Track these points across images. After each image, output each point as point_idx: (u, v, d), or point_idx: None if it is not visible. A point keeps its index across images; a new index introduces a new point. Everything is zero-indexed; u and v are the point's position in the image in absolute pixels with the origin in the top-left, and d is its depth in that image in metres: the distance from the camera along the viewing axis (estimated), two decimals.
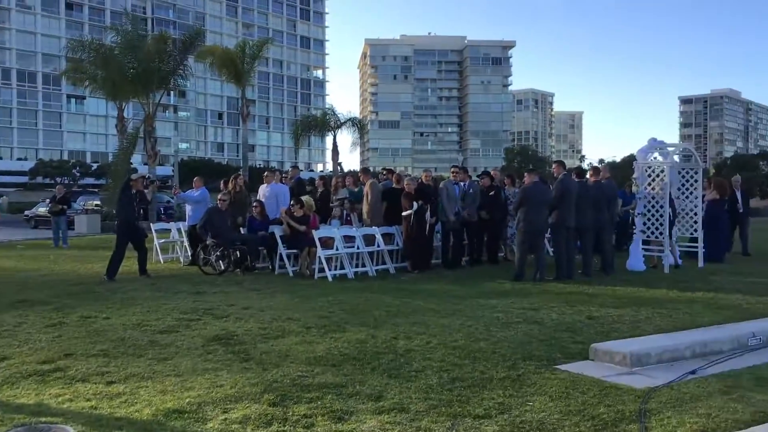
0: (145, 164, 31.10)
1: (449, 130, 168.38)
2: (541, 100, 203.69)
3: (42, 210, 32.22)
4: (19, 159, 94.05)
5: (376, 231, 12.21)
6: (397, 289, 10.01)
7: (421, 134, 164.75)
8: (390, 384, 5.07)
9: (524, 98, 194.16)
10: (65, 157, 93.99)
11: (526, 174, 11.69)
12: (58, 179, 69.91)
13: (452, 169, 13.50)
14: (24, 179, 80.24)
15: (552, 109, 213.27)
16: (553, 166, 12.29)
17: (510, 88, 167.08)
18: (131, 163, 29.92)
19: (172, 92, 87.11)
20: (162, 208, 30.91)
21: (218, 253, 11.74)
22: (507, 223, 13.64)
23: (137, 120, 34.46)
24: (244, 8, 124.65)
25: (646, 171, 12.55)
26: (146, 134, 28.35)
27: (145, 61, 26.68)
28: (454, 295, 9.31)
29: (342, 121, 41.64)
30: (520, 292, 9.68)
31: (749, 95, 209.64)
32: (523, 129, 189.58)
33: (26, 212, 37.67)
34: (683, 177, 13.13)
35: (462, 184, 12.91)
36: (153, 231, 14.26)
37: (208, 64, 34.01)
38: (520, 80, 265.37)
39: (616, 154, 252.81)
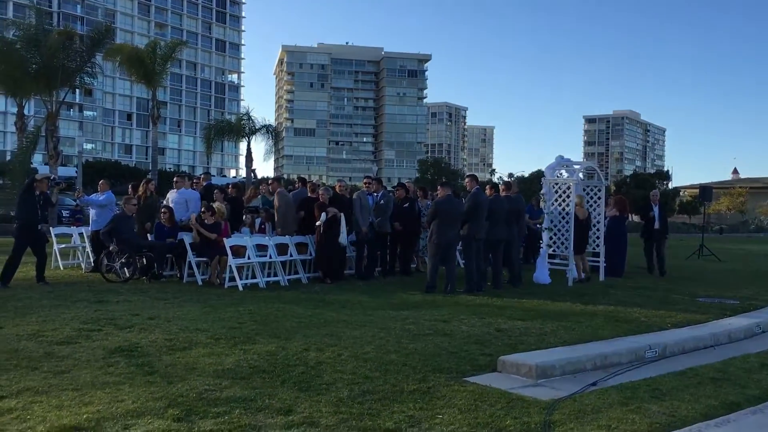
0: (46, 164, 29.67)
1: (364, 140, 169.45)
2: (454, 114, 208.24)
3: None
4: None
5: (289, 240, 12.09)
6: (309, 299, 9.93)
7: (337, 143, 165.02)
8: (300, 397, 4.99)
9: (438, 111, 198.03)
10: None
11: (439, 187, 11.88)
12: None
13: (365, 180, 13.56)
14: None
15: (465, 123, 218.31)
16: (466, 179, 12.54)
17: (425, 100, 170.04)
18: (31, 163, 28.49)
19: (77, 90, 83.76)
20: (69, 212, 29.63)
21: (123, 260, 11.30)
22: (420, 234, 13.81)
23: (39, 118, 32.86)
24: (157, 7, 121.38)
25: (554, 187, 12.99)
26: (48, 133, 27.06)
27: (49, 57, 25.47)
28: (366, 306, 9.31)
29: (257, 127, 41.13)
30: (431, 303, 9.79)
31: (647, 117, 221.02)
32: (437, 141, 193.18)
33: None
34: (587, 194, 13.67)
35: (375, 194, 12.97)
36: (53, 236, 13.59)
37: (117, 62, 32.89)
38: (435, 93, 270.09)
39: (525, 168, 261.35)
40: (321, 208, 12.07)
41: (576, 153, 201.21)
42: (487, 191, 12.29)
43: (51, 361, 5.80)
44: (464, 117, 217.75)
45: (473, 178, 12.31)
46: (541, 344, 7.06)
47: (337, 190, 12.81)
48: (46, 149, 27.98)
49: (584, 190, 13.67)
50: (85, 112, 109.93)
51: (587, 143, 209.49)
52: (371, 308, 9.16)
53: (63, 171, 42.73)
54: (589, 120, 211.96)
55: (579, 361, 6.23)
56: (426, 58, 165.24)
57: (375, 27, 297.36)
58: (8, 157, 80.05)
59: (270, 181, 13.75)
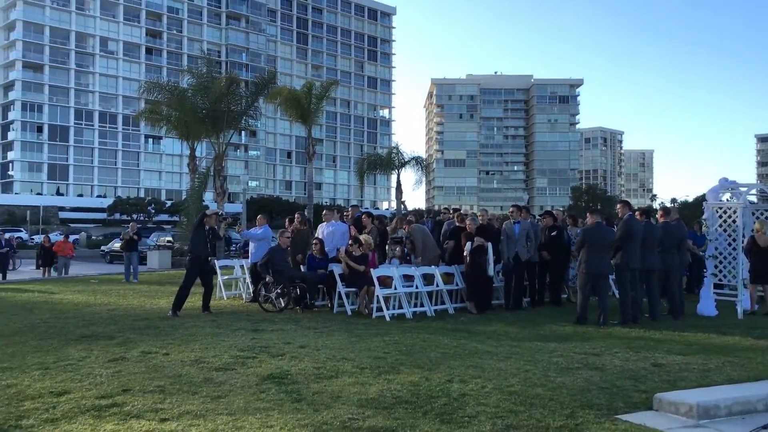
0: (215, 201, 31.98)
1: (515, 168, 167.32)
2: (609, 138, 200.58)
3: (117, 246, 33.48)
4: (99, 196, 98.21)
5: (436, 270, 12.12)
6: (454, 330, 9.87)
7: (487, 173, 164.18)
8: (442, 429, 4.95)
9: (592, 136, 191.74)
10: (142, 194, 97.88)
11: (588, 214, 11.45)
12: (134, 216, 72.55)
13: (510, 208, 13.36)
14: (103, 215, 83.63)
15: (621, 148, 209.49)
16: (618, 206, 11.99)
17: (577, 126, 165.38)
18: (203, 201, 30.82)
19: (243, 132, 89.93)
20: (237, 245, 31.65)
21: (278, 291, 11.86)
22: (570, 264, 13.35)
23: (209, 159, 35.56)
24: (313, 51, 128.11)
25: (717, 212, 12.08)
26: (216, 172, 29.23)
27: (216, 102, 27.64)
28: (512, 338, 9.10)
29: (406, 159, 41.95)
30: (581, 335, 9.38)
31: None
32: (591, 167, 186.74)
33: (102, 248, 39.24)
34: (757, 218, 12.57)
35: (523, 223, 12.71)
36: (217, 267, 14.55)
37: (277, 104, 34.97)
38: (588, 118, 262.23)
39: (689, 193, 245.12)
40: (467, 237, 12.02)
41: (748, 175, 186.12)
42: (637, 216, 11.66)
43: (209, 386, 6.17)
44: (620, 141, 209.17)
45: (625, 204, 11.74)
46: (703, 381, 6.53)
47: (480, 219, 12.70)
48: (214, 187, 30.22)
49: (753, 214, 12.58)
50: (249, 151, 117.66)
51: (761, 164, 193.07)
52: (518, 339, 8.94)
53: (230, 207, 45.91)
54: (762, 139, 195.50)
55: (748, 401, 5.68)
56: (578, 83, 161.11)
57: (524, 55, 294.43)
58: (183, 196, 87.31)
59: (408, 218, 13.91)
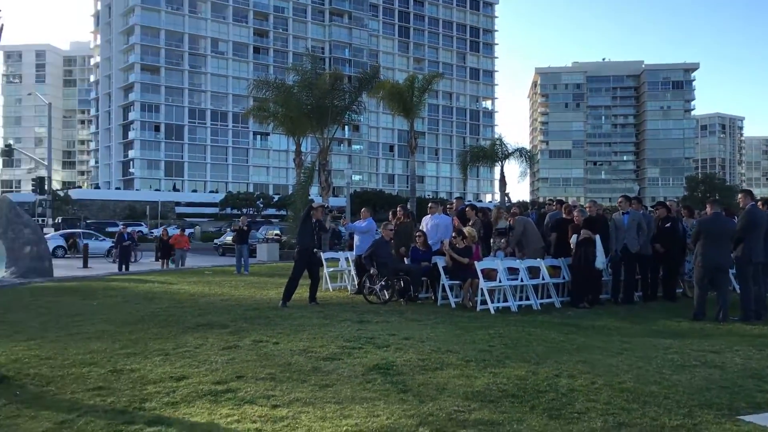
0: (320, 196, 32.69)
1: (624, 158, 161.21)
2: (728, 125, 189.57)
3: (229, 239, 34.89)
4: (211, 192, 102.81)
5: (541, 263, 11.87)
6: (561, 324, 9.63)
7: (594, 163, 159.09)
8: (550, 425, 4.85)
9: (709, 123, 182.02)
10: (251, 189, 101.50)
11: (707, 204, 10.86)
12: (244, 210, 75.37)
13: (619, 199, 12.87)
14: (215, 210, 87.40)
15: (742, 135, 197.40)
16: (739, 196, 11.28)
17: (693, 112, 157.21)
18: (309, 195, 31.58)
19: (346, 126, 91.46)
20: (343, 238, 32.20)
21: (382, 283, 11.97)
22: (686, 257, 12.72)
23: (314, 154, 36.39)
24: (415, 44, 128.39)
25: None
26: (320, 167, 29.87)
27: (321, 98, 28.22)
28: (623, 333, 8.78)
29: (510, 151, 41.31)
30: (699, 332, 8.93)
31: None
32: (708, 156, 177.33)
33: (215, 241, 41.01)
34: None
35: (632, 213, 12.21)
36: (323, 260, 14.86)
37: (379, 98, 35.27)
38: (704, 104, 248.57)
39: None
40: (574, 229, 11.71)
41: None
42: (760, 206, 10.93)
43: (317, 375, 6.32)
44: (740, 128, 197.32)
45: (747, 193, 11.04)
46: None
47: (588, 211, 12.31)
48: (319, 181, 30.90)
49: None
50: (353, 146, 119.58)
51: None
52: (629, 335, 8.61)
53: (334, 201, 46.79)
54: None
55: None
56: (693, 67, 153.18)
57: (633, 40, 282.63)
58: (290, 191, 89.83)
59: (512, 211, 13.64)
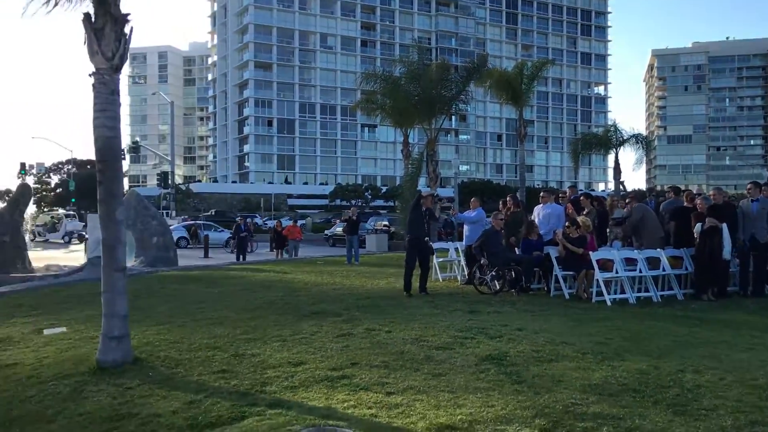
0: (428, 186, 32.70)
1: (751, 142, 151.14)
2: None
3: (339, 230, 35.61)
4: (321, 184, 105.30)
5: (661, 253, 11.35)
6: (684, 317, 9.19)
7: (718, 149, 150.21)
8: (675, 421, 4.65)
9: None
10: (359, 181, 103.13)
11: None
12: (353, 202, 76.67)
13: (747, 186, 12.08)
14: (325, 202, 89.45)
15: None
16: None
17: None
18: (417, 186, 31.67)
19: (453, 117, 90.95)
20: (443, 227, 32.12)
21: (493, 273, 11.85)
22: None
23: (421, 145, 36.43)
24: (523, 30, 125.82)
25: None
26: (428, 158, 29.86)
27: (428, 89, 28.18)
28: (753, 327, 8.26)
29: (625, 137, 39.72)
30: None
31: None
32: None
33: (326, 232, 41.97)
34: None
35: (762, 201, 11.44)
36: (433, 249, 14.84)
37: (487, 87, 34.79)
38: None
39: None
40: (698, 218, 11.12)
41: None
42: None
43: (430, 363, 6.35)
44: None
45: None
46: None
47: (712, 198, 11.63)
48: (427, 172, 30.92)
49: None
50: (460, 136, 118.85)
51: None
52: (761, 330, 8.10)
53: (442, 192, 46.69)
54: None
55: None
56: None
57: (760, 17, 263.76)
58: (397, 182, 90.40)
59: (627, 200, 13.09)
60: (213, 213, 61.38)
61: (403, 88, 29.45)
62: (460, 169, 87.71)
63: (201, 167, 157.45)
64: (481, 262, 12.08)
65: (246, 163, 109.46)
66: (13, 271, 17.67)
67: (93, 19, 6.63)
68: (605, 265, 10.96)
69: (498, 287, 11.74)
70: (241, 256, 25.34)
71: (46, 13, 6.70)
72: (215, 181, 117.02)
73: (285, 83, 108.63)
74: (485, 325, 8.35)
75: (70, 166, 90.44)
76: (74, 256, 28.23)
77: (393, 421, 4.71)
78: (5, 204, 21.58)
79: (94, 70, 6.70)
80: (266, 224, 54.26)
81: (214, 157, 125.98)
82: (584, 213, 12.56)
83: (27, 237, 22.12)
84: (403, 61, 32.14)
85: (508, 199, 13.99)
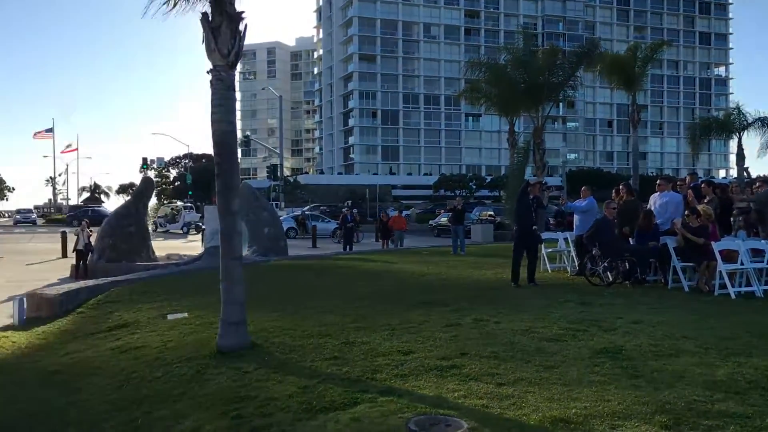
0: (534, 176, 32.03)
1: None
2: None
3: (443, 220, 35.56)
4: (425, 174, 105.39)
5: None
6: None
7: None
8: None
9: None
10: (463, 171, 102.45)
11: None
12: (457, 192, 76.29)
13: None
14: (429, 192, 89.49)
15: None
16: None
17: None
18: (524, 175, 31.07)
19: (561, 104, 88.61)
20: (553, 217, 31.44)
21: (606, 264, 11.46)
22: None
23: (527, 133, 35.70)
24: (636, 11, 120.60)
25: None
26: (535, 146, 29.22)
27: (535, 75, 27.55)
28: None
29: (749, 121, 37.26)
30: None
31: None
32: None
33: (430, 222, 42.01)
34: None
35: None
36: (542, 241, 14.51)
37: (597, 72, 33.55)
38: None
39: None
40: None
41: None
42: None
43: (541, 355, 6.22)
44: None
45: None
46: None
47: None
48: (534, 161, 30.27)
49: None
50: (567, 123, 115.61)
51: None
52: None
53: (549, 181, 45.65)
54: None
55: None
56: None
57: None
58: (502, 172, 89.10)
59: (757, 184, 12.27)
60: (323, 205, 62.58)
61: (509, 76, 28.93)
62: (568, 157, 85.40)
63: (308, 159, 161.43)
64: (593, 252, 11.70)
65: (351, 155, 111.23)
66: (138, 260, 18.79)
67: (210, 18, 6.91)
68: (729, 255, 10.36)
69: (611, 279, 11.34)
70: (347, 246, 25.80)
71: (165, 13, 7.04)
72: (321, 172, 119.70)
73: (389, 74, 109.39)
74: (598, 317, 8.09)
75: (187, 160, 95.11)
76: (192, 246, 29.68)
77: (505, 413, 4.65)
78: (130, 197, 22.92)
79: (211, 67, 6.98)
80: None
81: (320, 149, 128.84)
82: (705, 201, 11.92)
83: (150, 228, 23.42)
84: (508, 49, 31.54)
85: (621, 187, 13.47)
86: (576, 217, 13.69)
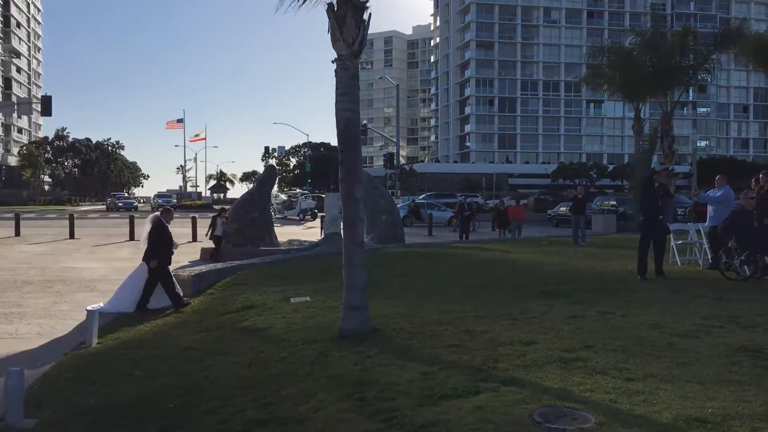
0: (661, 164, 30.56)
1: None
2: None
3: (563, 209, 34.64)
4: (543, 163, 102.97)
5: None
6: None
7: None
8: None
9: None
10: (583, 159, 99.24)
11: None
12: (577, 181, 74.06)
13: None
14: (547, 181, 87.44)
15: None
16: None
17: None
18: (651, 163, 29.75)
19: (690, 88, 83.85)
20: (684, 209, 29.92)
21: (743, 258, 10.75)
22: None
23: (653, 120, 34.09)
24: None
25: None
26: (663, 133, 27.87)
27: (665, 59, 26.23)
28: None
29: None
30: None
31: None
32: None
33: (549, 212, 41.05)
34: None
35: None
36: (670, 231, 13.84)
37: (733, 54, 31.44)
38: None
39: None
40: None
41: None
42: None
43: (673, 351, 5.92)
44: None
45: None
46: None
47: None
48: (660, 149, 28.87)
49: None
50: (698, 109, 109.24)
51: None
52: None
53: (678, 169, 43.37)
54: None
55: None
56: None
57: None
58: (625, 160, 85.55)
59: None
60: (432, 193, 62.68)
61: (635, 60, 27.71)
62: (699, 144, 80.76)
63: (423, 148, 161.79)
64: (729, 245, 11.01)
65: (467, 143, 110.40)
66: (261, 245, 19.55)
67: (336, 8, 7.04)
68: None
69: (748, 273, 10.63)
70: (464, 235, 25.67)
71: (297, 8, 7.24)
72: (437, 161, 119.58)
73: (506, 61, 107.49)
74: (736, 313, 7.61)
75: (306, 149, 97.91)
76: (311, 232, 30.56)
77: (634, 409, 4.46)
78: (254, 184, 23.86)
79: (336, 56, 7.12)
80: (487, 204, 54.37)
81: (436, 137, 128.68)
82: None
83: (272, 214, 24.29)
84: (635, 30, 30.19)
85: (761, 176, 12.55)
86: (710, 208, 12.92)
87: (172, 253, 10.65)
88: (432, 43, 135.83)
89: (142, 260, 10.42)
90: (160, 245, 10.29)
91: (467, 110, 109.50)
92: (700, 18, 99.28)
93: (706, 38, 28.85)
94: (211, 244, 19.38)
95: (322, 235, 22.84)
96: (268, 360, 6.46)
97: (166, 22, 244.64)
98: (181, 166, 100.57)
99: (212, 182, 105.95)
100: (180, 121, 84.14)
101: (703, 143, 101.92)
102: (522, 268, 12.93)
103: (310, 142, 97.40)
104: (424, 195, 58.90)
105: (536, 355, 5.89)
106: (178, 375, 6.37)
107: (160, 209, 11.04)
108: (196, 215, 30.03)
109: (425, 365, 5.73)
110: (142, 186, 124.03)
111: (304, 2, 7.17)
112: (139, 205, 77.36)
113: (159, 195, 76.72)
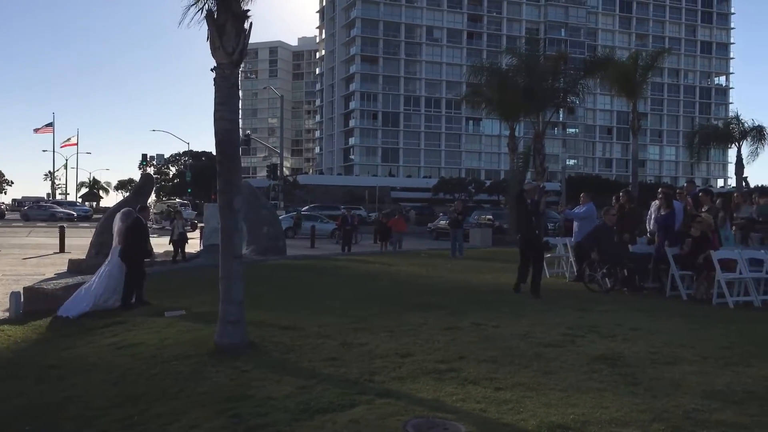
0: (534, 180, 32.08)
1: None
2: None
3: (442, 223, 35.55)
4: (425, 177, 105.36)
5: None
6: None
7: None
8: None
9: None
10: (462, 174, 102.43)
11: None
12: (456, 195, 76.27)
13: None
14: (428, 195, 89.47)
15: None
16: None
17: None
18: (524, 180, 31.10)
19: (561, 109, 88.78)
20: (554, 224, 31.39)
21: (604, 271, 11.46)
22: None
23: (527, 138, 35.76)
24: (638, 19, 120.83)
25: None
26: (535, 152, 29.30)
27: (538, 81, 27.61)
28: None
29: (747, 130, 37.30)
30: None
31: None
32: None
33: (429, 225, 42.01)
34: None
35: None
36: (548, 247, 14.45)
37: (598, 79, 33.61)
38: None
39: None
40: None
41: None
42: None
43: (539, 361, 6.21)
44: None
45: None
46: None
47: None
48: (534, 166, 30.32)
49: None
50: (567, 129, 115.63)
51: None
52: None
53: (548, 186, 45.64)
54: None
55: None
56: None
57: None
58: (502, 176, 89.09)
59: (755, 196, 12.27)
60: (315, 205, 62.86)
61: (511, 81, 29.01)
62: (568, 163, 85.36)
63: (307, 160, 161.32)
64: (592, 257, 11.70)
65: (351, 156, 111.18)
66: None
67: (216, 16, 6.90)
68: (728, 265, 10.36)
69: (609, 285, 11.35)
70: (346, 247, 25.78)
71: (200, 21, 7.03)
72: (321, 173, 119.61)
73: (391, 76, 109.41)
74: (597, 323, 8.09)
75: (186, 158, 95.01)
76: (189, 243, 29.61)
77: (503, 417, 4.64)
78: (129, 193, 22.90)
79: (215, 65, 6.98)
80: (370, 216, 54.88)
81: (321, 149, 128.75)
82: (703, 210, 11.93)
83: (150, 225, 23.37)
84: (511, 51, 31.65)
85: (621, 194, 13.49)
86: (575, 224, 13.70)
87: (148, 250, 10.97)
88: (317, 56, 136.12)
89: (119, 257, 10.42)
90: (137, 243, 10.45)
91: (352, 123, 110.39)
92: (570, 44, 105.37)
93: (576, 63, 30.69)
94: (80, 256, 18.41)
95: (201, 247, 22.24)
96: (137, 377, 6.19)
97: (41, 22, 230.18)
98: (49, 172, 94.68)
99: (84, 190, 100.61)
100: (49, 125, 79.47)
101: (571, 162, 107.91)
102: (402, 280, 13.14)
103: (191, 150, 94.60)
104: (307, 207, 58.68)
105: (412, 366, 6.00)
106: (38, 395, 5.98)
107: (138, 207, 11.39)
108: (65, 225, 28.38)
109: (302, 379, 5.69)
110: (5, 192, 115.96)
111: (200, 12, 6.96)
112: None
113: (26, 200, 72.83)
